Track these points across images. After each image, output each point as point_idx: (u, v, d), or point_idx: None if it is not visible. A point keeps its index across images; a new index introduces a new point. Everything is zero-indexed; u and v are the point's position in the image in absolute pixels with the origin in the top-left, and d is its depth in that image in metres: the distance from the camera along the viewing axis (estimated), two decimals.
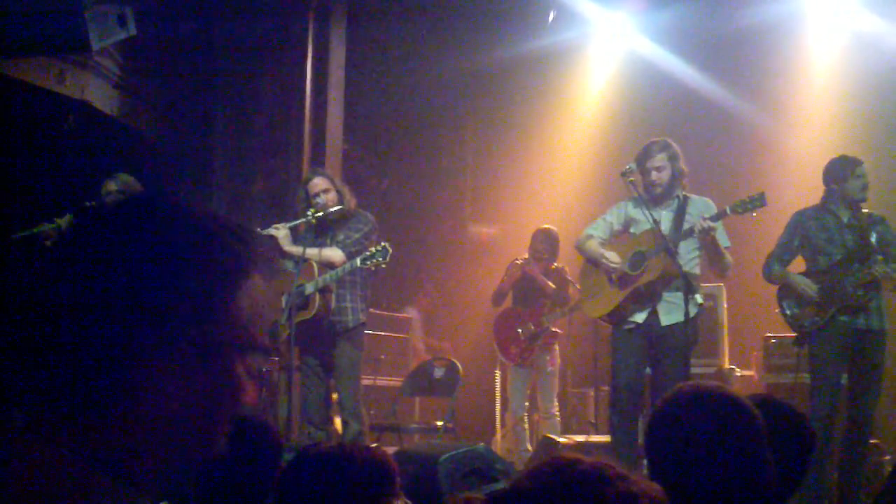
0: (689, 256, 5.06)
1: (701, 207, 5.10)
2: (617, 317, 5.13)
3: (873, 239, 5.08)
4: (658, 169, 5.09)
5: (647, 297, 5.03)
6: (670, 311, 4.98)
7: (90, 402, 0.92)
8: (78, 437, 0.91)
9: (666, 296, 5.00)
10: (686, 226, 5.01)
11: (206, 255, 0.96)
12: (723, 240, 5.04)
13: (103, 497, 0.90)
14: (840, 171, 5.18)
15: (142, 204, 1.00)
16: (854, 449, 5.01)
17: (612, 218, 5.32)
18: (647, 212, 4.99)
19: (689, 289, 4.75)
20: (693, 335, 4.92)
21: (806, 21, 8.26)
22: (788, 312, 5.25)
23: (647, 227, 5.05)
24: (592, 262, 5.27)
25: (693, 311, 4.87)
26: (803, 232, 5.29)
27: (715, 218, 4.91)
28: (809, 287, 5.15)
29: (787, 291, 5.27)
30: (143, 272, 0.93)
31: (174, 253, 0.95)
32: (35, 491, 0.88)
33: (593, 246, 5.25)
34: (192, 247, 0.96)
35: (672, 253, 4.81)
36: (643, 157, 5.10)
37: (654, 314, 5.03)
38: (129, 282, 0.92)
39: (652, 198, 5.12)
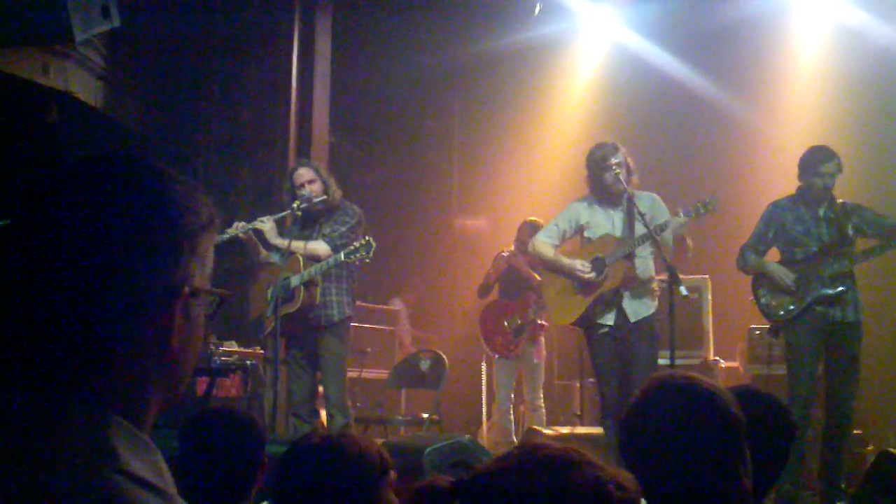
0: (643, 254, 5.15)
1: (648, 203, 5.16)
2: (586, 320, 5.19)
3: (850, 231, 5.10)
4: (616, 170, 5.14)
5: (612, 299, 5.13)
6: (637, 309, 5.12)
7: (86, 350, 0.96)
8: (82, 385, 0.96)
9: (629, 295, 5.11)
10: (639, 228, 5.06)
11: (174, 208, 1.02)
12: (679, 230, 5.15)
13: (119, 439, 0.94)
14: (805, 166, 5.19)
15: (109, 161, 1.04)
16: (835, 440, 5.04)
17: (564, 224, 5.35)
18: (611, 214, 5.15)
19: (673, 280, 4.77)
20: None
21: (790, 14, 8.29)
22: (763, 301, 5.28)
23: (604, 231, 5.17)
24: (554, 271, 5.31)
25: (654, 304, 5.14)
26: (779, 223, 5.31)
27: (665, 226, 4.99)
28: (787, 276, 5.18)
29: (762, 280, 5.30)
30: (116, 226, 0.98)
31: (143, 207, 1.00)
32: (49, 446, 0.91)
33: (554, 256, 5.29)
34: (160, 201, 1.02)
35: (632, 257, 5.02)
36: (601, 160, 5.11)
37: (621, 313, 5.12)
38: (102, 237, 0.97)
39: (607, 198, 5.21)
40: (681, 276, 4.81)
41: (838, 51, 7.88)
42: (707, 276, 7.11)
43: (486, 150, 9.57)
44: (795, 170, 5.28)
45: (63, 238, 0.97)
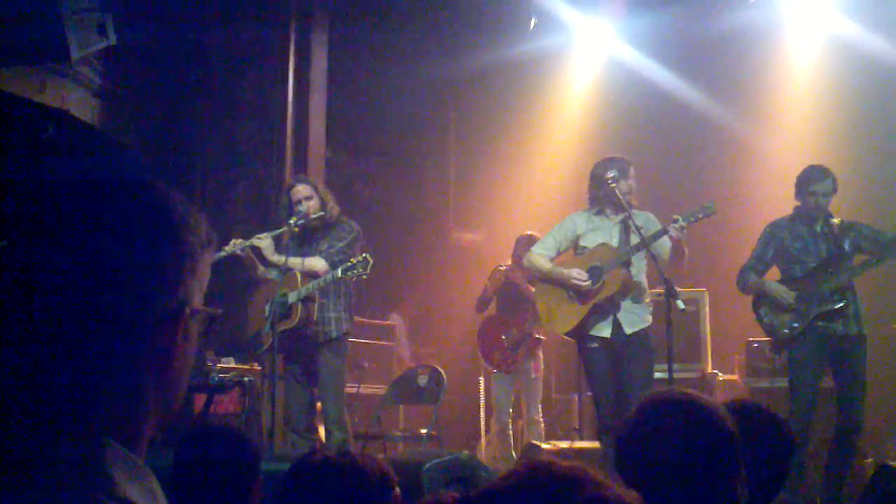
0: (637, 266, 5.18)
1: (642, 220, 5.19)
2: (581, 331, 5.19)
3: (847, 247, 5.13)
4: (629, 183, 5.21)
5: (608, 309, 5.13)
6: (633, 321, 5.13)
7: (86, 374, 0.95)
8: (79, 409, 0.95)
9: (625, 306, 5.12)
10: (634, 240, 5.10)
11: (178, 228, 1.02)
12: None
13: (113, 464, 0.93)
14: (799, 185, 5.23)
15: (113, 181, 1.03)
16: (842, 453, 5.05)
17: (559, 237, 5.39)
18: (609, 226, 5.21)
19: (670, 293, 4.79)
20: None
21: (784, 26, 8.33)
22: (766, 320, 5.30)
23: (601, 241, 5.20)
24: (550, 282, 5.31)
25: (648, 318, 5.13)
26: (778, 243, 5.35)
27: (659, 234, 5.02)
28: (786, 294, 5.21)
29: (763, 299, 5.32)
30: (121, 248, 0.97)
31: (149, 227, 1.00)
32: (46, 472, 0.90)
33: (550, 267, 5.30)
34: (165, 221, 1.01)
35: (629, 266, 5.07)
36: (601, 173, 5.19)
37: (617, 325, 5.12)
38: (107, 258, 0.96)
39: (605, 210, 5.27)
40: (678, 290, 4.82)
41: (832, 63, 7.91)
42: (704, 288, 7.11)
43: (483, 164, 9.59)
44: (791, 182, 5.31)
45: (65, 260, 0.95)
